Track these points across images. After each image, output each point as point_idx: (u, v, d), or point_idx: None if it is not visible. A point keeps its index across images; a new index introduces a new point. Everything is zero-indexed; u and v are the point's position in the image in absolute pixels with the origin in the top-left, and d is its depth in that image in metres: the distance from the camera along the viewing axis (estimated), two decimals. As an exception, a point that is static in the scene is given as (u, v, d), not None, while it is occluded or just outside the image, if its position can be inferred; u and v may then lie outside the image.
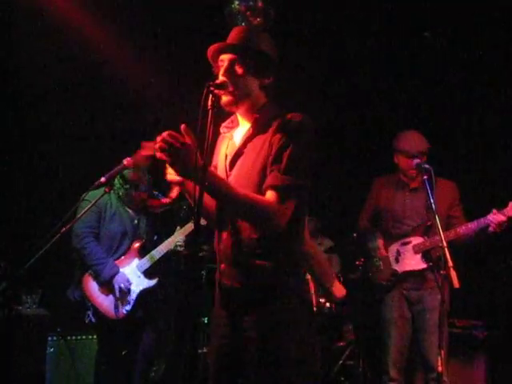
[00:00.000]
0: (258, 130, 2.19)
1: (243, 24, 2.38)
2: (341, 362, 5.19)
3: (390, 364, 3.82)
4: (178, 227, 4.09)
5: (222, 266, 2.21)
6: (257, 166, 2.13)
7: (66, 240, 2.90)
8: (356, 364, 4.97)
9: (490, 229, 3.54)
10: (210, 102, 2.03)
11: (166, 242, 4.02)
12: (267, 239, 2.10)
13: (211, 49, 2.22)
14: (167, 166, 2.00)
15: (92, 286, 3.73)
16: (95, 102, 5.02)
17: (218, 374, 2.21)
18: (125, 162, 3.06)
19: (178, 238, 4.04)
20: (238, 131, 2.32)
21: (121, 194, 3.95)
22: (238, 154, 2.23)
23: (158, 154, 1.93)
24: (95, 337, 4.81)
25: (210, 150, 1.97)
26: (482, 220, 3.57)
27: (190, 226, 4.07)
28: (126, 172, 3.81)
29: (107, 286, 3.73)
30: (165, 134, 1.92)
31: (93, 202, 3.18)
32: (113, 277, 3.72)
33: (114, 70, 4.90)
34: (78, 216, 3.56)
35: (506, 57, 4.69)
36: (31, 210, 4.90)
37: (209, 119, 2.00)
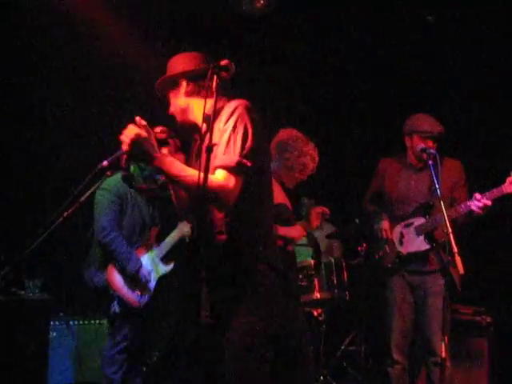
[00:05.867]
0: (208, 123, 2.33)
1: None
2: (343, 347, 5.21)
3: (394, 348, 3.82)
4: (179, 222, 4.11)
5: (202, 250, 2.36)
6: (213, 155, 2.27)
7: (69, 224, 2.87)
8: (358, 349, 4.99)
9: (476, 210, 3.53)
10: (214, 84, 2.11)
11: (169, 237, 4.06)
12: (232, 217, 2.28)
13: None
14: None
15: (117, 278, 3.77)
16: (97, 85, 4.99)
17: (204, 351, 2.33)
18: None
19: (184, 229, 4.07)
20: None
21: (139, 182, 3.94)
22: (199, 150, 2.37)
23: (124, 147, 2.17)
24: (98, 322, 4.85)
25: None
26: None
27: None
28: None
29: (131, 276, 3.78)
30: (129, 127, 2.16)
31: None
32: (138, 269, 3.77)
33: (114, 54, 4.87)
34: (101, 209, 3.74)
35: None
36: (33, 194, 4.88)
37: (214, 100, 2.09)
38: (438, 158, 3.30)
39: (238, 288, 2.25)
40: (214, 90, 2.07)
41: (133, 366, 3.91)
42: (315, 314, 4.93)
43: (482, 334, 4.09)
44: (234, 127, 2.24)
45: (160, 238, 4.06)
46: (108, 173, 3.02)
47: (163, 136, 2.50)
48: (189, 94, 2.45)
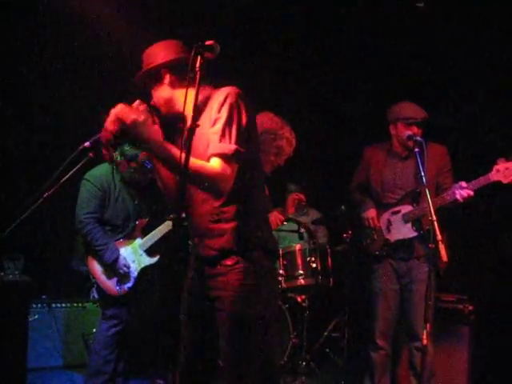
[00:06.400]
0: (197, 112, 2.28)
1: None
2: (326, 333, 5.23)
3: (378, 334, 3.84)
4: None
5: (196, 239, 2.39)
6: (203, 141, 2.24)
7: (50, 206, 2.83)
8: (341, 336, 5.01)
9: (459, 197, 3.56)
10: (198, 64, 2.05)
11: (157, 229, 4.07)
12: (228, 204, 2.26)
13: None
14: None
15: (95, 266, 3.86)
16: (84, 64, 4.93)
17: (188, 332, 2.34)
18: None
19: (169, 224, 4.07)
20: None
21: (125, 176, 3.99)
22: (186, 140, 2.32)
23: (110, 128, 2.11)
24: (80, 305, 4.85)
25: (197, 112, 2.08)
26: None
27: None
28: (128, 153, 3.88)
29: (109, 266, 3.85)
30: (118, 107, 2.10)
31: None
32: (114, 260, 3.83)
33: (107, 32, 4.81)
34: (81, 201, 3.83)
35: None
36: (14, 174, 4.82)
37: (197, 80, 2.04)
38: (424, 145, 3.30)
39: (233, 273, 2.24)
40: (197, 70, 2.02)
41: (122, 350, 3.96)
42: (299, 300, 4.94)
43: (464, 321, 4.12)
44: (229, 115, 2.19)
45: (147, 231, 4.08)
46: (90, 154, 2.97)
47: None
48: (173, 85, 2.37)
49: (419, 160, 3.25)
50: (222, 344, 2.25)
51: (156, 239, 4.06)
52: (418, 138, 3.44)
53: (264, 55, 5.33)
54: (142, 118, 2.11)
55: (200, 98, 2.22)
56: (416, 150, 3.33)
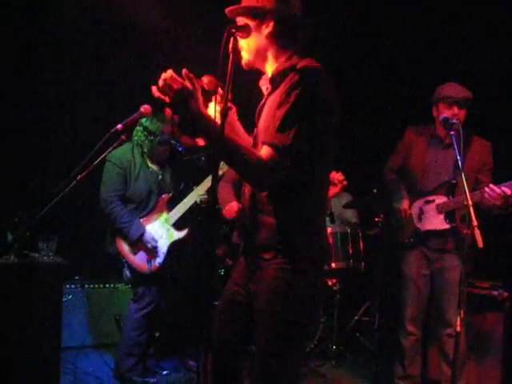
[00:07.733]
0: (274, 84, 2.14)
1: None
2: (356, 317, 5.21)
3: (408, 320, 3.81)
4: (195, 187, 4.14)
5: (242, 223, 2.26)
6: (269, 119, 2.07)
7: (83, 187, 2.85)
8: (372, 320, 4.98)
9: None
10: (230, 46, 1.96)
11: (182, 203, 4.09)
12: (275, 197, 2.07)
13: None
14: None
15: (124, 246, 3.90)
16: (111, 47, 4.93)
17: (223, 319, 2.24)
18: (142, 109, 2.96)
19: (194, 196, 4.10)
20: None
21: (145, 149, 4.00)
22: (260, 109, 2.21)
23: (157, 94, 1.88)
24: (113, 285, 4.92)
25: (229, 95, 1.92)
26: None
27: (206, 183, 4.12)
28: (148, 124, 3.84)
29: (137, 243, 3.88)
30: (167, 73, 1.87)
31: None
32: (140, 236, 3.85)
33: (130, 14, 4.79)
34: (104, 180, 3.88)
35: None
36: (47, 155, 4.88)
37: (230, 63, 1.94)
38: (460, 128, 3.20)
39: (270, 269, 2.07)
40: (230, 51, 1.96)
41: (152, 332, 4.02)
42: (330, 283, 4.92)
43: (499, 308, 4.04)
44: (297, 102, 1.95)
45: (174, 205, 4.09)
46: (123, 136, 2.99)
47: (210, 87, 2.16)
48: (271, 37, 2.11)
49: (454, 143, 3.13)
50: (256, 347, 2.08)
51: (182, 212, 4.08)
52: (454, 120, 3.33)
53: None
54: (190, 86, 1.88)
55: (282, 66, 2.09)
56: (451, 132, 3.23)
